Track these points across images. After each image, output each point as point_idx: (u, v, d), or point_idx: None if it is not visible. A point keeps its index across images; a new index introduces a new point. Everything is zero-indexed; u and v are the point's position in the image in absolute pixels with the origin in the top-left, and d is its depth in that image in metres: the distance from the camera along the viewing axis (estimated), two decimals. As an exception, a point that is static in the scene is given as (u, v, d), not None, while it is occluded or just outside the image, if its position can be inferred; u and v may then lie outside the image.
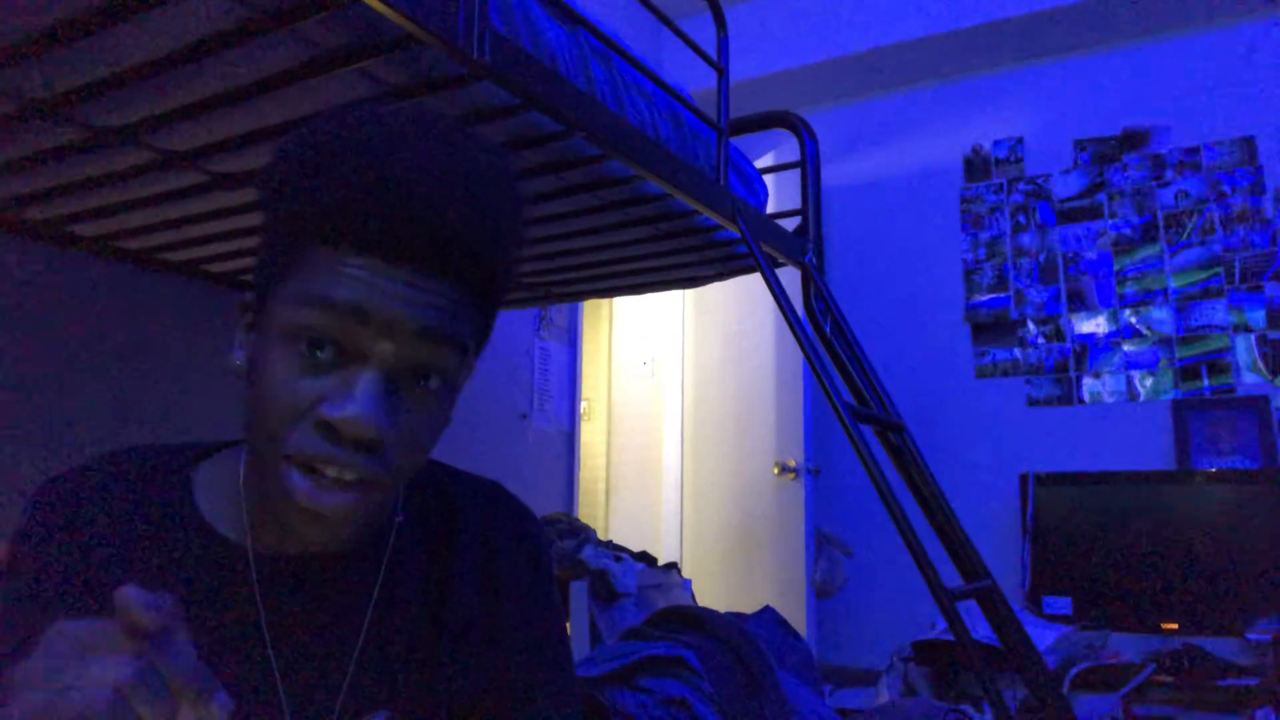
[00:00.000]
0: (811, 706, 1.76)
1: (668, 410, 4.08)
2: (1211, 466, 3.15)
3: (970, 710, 2.20)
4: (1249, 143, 3.31)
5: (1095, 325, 3.47)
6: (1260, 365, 3.19)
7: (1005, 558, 3.30)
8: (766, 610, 2.18)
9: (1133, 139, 3.52)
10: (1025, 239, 3.66)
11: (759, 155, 3.32)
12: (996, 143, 3.78)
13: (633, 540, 3.54)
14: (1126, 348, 3.41)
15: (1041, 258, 3.61)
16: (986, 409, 3.61)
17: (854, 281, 3.91)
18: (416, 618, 0.69)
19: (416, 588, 0.70)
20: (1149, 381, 3.35)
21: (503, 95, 1.24)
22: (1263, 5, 3.31)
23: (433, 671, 0.68)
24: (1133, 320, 3.41)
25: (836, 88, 4.03)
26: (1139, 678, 2.59)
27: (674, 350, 4.12)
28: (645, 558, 2.81)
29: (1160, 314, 3.37)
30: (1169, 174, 3.43)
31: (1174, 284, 3.36)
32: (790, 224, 2.19)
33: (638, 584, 2.62)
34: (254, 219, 1.64)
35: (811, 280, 2.04)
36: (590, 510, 4.06)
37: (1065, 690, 2.52)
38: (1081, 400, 3.45)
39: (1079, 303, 3.51)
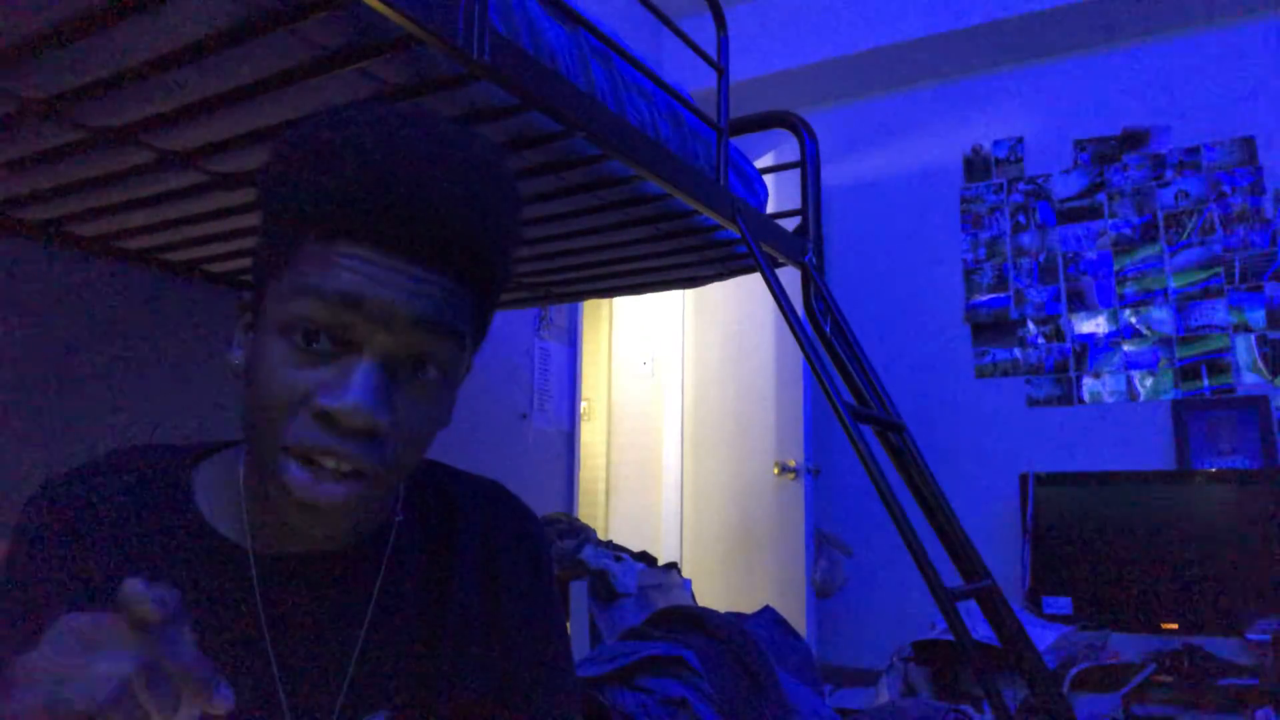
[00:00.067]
0: (811, 706, 1.76)
1: (668, 410, 4.08)
2: (1211, 466, 3.15)
3: (970, 710, 2.20)
4: (1249, 143, 3.31)
5: (1095, 325, 3.47)
6: (1260, 365, 3.19)
7: (1005, 558, 3.30)
8: (766, 610, 2.18)
9: (1133, 139, 3.52)
10: (1025, 239, 3.66)
11: (759, 155, 3.32)
12: (996, 143, 3.78)
13: (633, 540, 3.54)
14: (1126, 348, 3.41)
15: (1041, 258, 3.61)
16: (986, 409, 3.61)
17: (854, 281, 3.91)
18: (417, 617, 0.69)
19: (417, 587, 0.70)
20: (1149, 381, 3.35)
21: (503, 95, 1.24)
22: (1263, 5, 3.31)
23: (433, 671, 0.68)
24: (1133, 320, 3.41)
25: (836, 88, 4.03)
26: (1139, 678, 2.59)
27: (674, 350, 4.12)
28: (645, 558, 2.81)
29: (1160, 314, 3.37)
30: (1169, 174, 3.43)
31: (1174, 284, 3.36)
32: (790, 224, 2.19)
33: (638, 584, 2.62)
34: (254, 219, 1.64)
35: (811, 280, 2.04)
36: (590, 510, 4.06)
37: (1065, 690, 2.52)
38: (1081, 400, 3.45)
39: (1079, 303, 3.51)
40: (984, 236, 3.74)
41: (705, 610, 1.86)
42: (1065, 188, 3.62)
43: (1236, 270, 3.27)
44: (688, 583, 2.98)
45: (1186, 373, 3.29)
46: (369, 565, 0.68)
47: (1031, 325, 3.58)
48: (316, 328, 0.55)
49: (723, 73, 1.84)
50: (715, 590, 3.51)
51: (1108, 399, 3.41)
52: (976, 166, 3.80)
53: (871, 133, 4.04)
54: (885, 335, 3.74)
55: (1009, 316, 3.63)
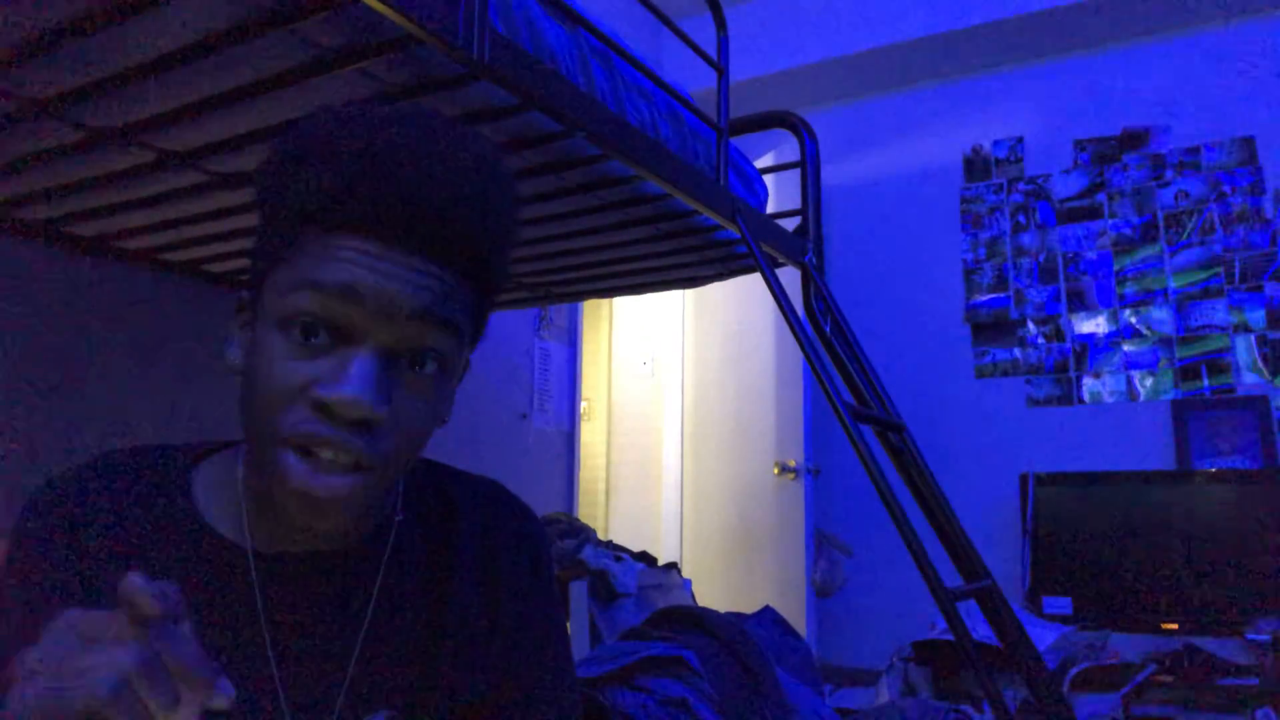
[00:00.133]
0: (811, 706, 1.76)
1: (668, 410, 4.08)
2: (1211, 466, 3.15)
3: (970, 710, 2.20)
4: (1249, 143, 3.31)
5: (1095, 325, 3.47)
6: (1260, 365, 3.19)
7: (1005, 558, 3.30)
8: (766, 610, 2.18)
9: (1133, 139, 3.52)
10: (1025, 239, 3.66)
11: (759, 155, 3.32)
12: (996, 143, 3.78)
13: (633, 540, 3.54)
14: (1126, 348, 3.41)
15: (1041, 258, 3.61)
16: (986, 409, 3.61)
17: (854, 281, 3.91)
18: (416, 617, 0.69)
19: (416, 587, 0.70)
20: (1149, 381, 3.35)
21: (503, 95, 1.24)
22: (1263, 5, 3.31)
23: (433, 671, 0.68)
24: (1133, 320, 3.41)
25: (836, 88, 4.03)
26: (1139, 678, 2.59)
27: (674, 350, 4.12)
28: (645, 558, 2.81)
29: (1160, 314, 3.37)
30: (1169, 174, 3.43)
31: (1174, 284, 3.36)
32: (790, 224, 2.19)
33: (638, 584, 2.62)
34: (254, 219, 1.64)
35: (811, 280, 2.04)
36: (590, 510, 4.06)
37: (1065, 690, 2.52)
38: (1081, 400, 3.45)
39: (1079, 303, 3.51)
40: (984, 236, 3.74)
41: (705, 610, 1.85)
42: (1065, 188, 3.62)
43: (1236, 270, 3.27)
44: (688, 583, 2.98)
45: (1186, 373, 3.29)
46: (369, 565, 0.68)
47: (1031, 325, 3.58)
48: (316, 320, 0.55)
49: (723, 73, 1.84)
50: (715, 590, 3.51)
51: (1108, 399, 3.41)
52: (976, 166, 3.80)
53: (871, 133, 4.04)
54: (885, 335, 3.74)
55: (1009, 316, 3.63)
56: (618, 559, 2.63)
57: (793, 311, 1.77)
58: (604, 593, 2.52)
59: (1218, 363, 3.25)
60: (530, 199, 1.62)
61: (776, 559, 3.34)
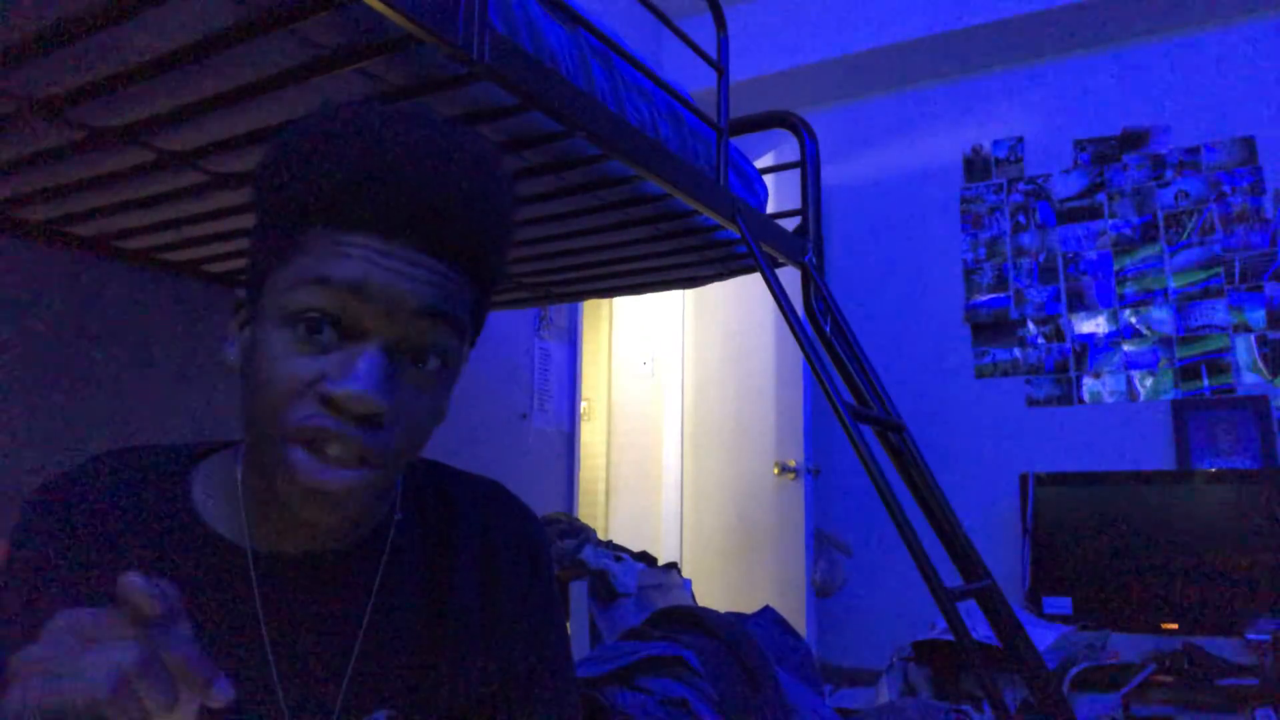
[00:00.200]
0: (811, 706, 1.76)
1: (668, 410, 4.08)
2: (1211, 466, 3.15)
3: (970, 710, 2.20)
4: (1249, 143, 3.31)
5: (1095, 325, 3.47)
6: (1260, 365, 3.19)
7: (1005, 558, 3.30)
8: (766, 610, 2.18)
9: (1133, 139, 3.52)
10: (1025, 239, 3.66)
11: (759, 155, 3.32)
12: (996, 143, 3.78)
13: (633, 540, 3.54)
14: (1126, 348, 3.41)
15: (1041, 258, 3.61)
16: (986, 409, 3.61)
17: (854, 281, 3.91)
18: (415, 617, 0.69)
19: (416, 586, 0.70)
20: (1149, 381, 3.35)
21: (503, 95, 1.24)
22: (1263, 5, 3.31)
23: (432, 670, 0.68)
24: (1133, 320, 3.41)
25: (836, 88, 4.04)
26: (1139, 678, 2.59)
27: (674, 350, 4.12)
28: (645, 558, 2.81)
29: (1160, 314, 3.37)
30: (1169, 174, 3.43)
31: (1174, 284, 3.36)
32: (790, 224, 2.19)
33: (638, 584, 2.62)
34: (253, 219, 1.64)
35: (811, 280, 2.04)
36: (590, 510, 4.06)
37: (1065, 690, 2.52)
38: (1081, 400, 3.45)
39: (1079, 303, 3.51)
40: (984, 236, 3.74)
41: (705, 610, 1.85)
42: (1065, 188, 3.62)
43: (1236, 270, 3.27)
44: (688, 583, 2.98)
45: (1186, 373, 3.29)
46: (368, 564, 0.68)
47: (1031, 325, 3.58)
48: (323, 316, 0.56)
49: (723, 73, 1.84)
50: (715, 590, 3.51)
51: (1108, 399, 3.41)
52: (976, 166, 3.80)
53: (871, 133, 4.04)
54: (885, 335, 3.74)
55: (1009, 316, 3.63)
56: (618, 559, 2.63)
57: (793, 311, 1.77)
58: (604, 593, 2.52)
59: (1218, 363, 3.25)
60: (530, 199, 1.62)
61: (776, 559, 3.34)
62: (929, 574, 1.58)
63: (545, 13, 1.30)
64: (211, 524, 0.65)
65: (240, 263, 1.99)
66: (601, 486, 4.18)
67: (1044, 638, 2.64)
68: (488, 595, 0.72)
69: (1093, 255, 3.52)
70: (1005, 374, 3.60)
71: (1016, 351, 3.60)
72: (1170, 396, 3.31)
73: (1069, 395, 3.48)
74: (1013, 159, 3.74)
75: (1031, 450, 3.47)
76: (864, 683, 3.34)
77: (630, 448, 4.17)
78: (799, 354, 3.11)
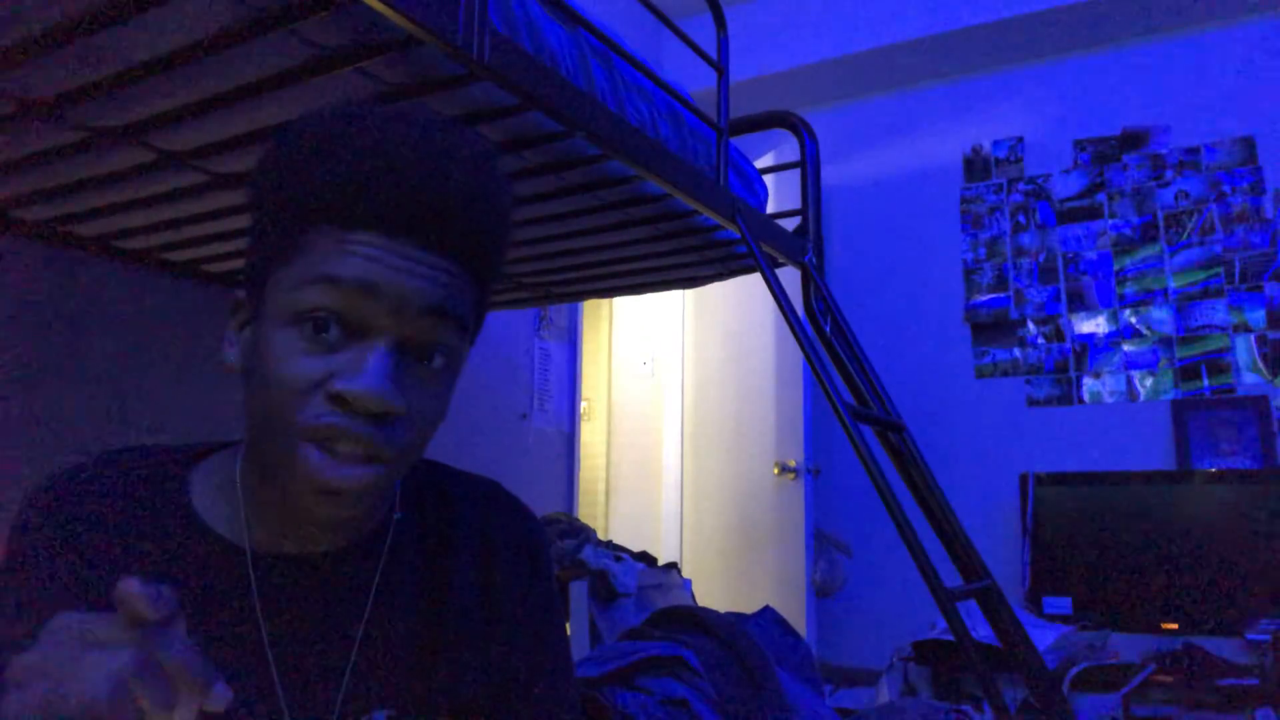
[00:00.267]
0: (811, 706, 1.76)
1: (668, 410, 4.08)
2: (1211, 466, 3.15)
3: (970, 710, 2.20)
4: (1249, 143, 3.31)
5: (1095, 325, 3.47)
6: (1260, 365, 3.19)
7: (1005, 558, 3.30)
8: (766, 610, 2.18)
9: (1133, 139, 3.52)
10: (1025, 239, 3.66)
11: (759, 155, 3.32)
12: (996, 143, 3.78)
13: (633, 540, 3.54)
14: (1126, 348, 3.41)
15: (1041, 258, 3.61)
16: (986, 409, 3.61)
17: (854, 281, 3.91)
18: (414, 616, 0.69)
19: (415, 586, 0.70)
20: (1149, 381, 3.35)
21: (503, 95, 1.24)
22: (1263, 5, 3.31)
23: (431, 670, 0.68)
24: (1133, 320, 3.41)
25: (836, 88, 4.04)
26: (1139, 678, 2.59)
27: (674, 350, 4.12)
28: (645, 558, 2.81)
29: (1160, 314, 3.37)
30: (1169, 174, 3.43)
31: (1174, 284, 3.36)
32: (790, 224, 2.19)
33: (638, 584, 2.62)
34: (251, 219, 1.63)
35: (811, 280, 2.04)
36: (590, 510, 4.06)
37: (1065, 690, 2.52)
38: (1081, 400, 3.45)
39: (1079, 303, 3.51)
40: (984, 236, 3.74)
41: (705, 610, 1.85)
42: (1065, 188, 3.62)
43: (1236, 270, 3.27)
44: (688, 583, 2.98)
45: (1186, 373, 3.29)
46: (367, 564, 0.68)
47: (1031, 325, 3.58)
48: (331, 315, 0.56)
49: (723, 73, 1.84)
50: (715, 590, 3.51)
51: (1108, 399, 3.41)
52: (976, 166, 3.80)
53: (871, 133, 4.04)
54: (885, 335, 3.74)
55: (1009, 316, 3.63)
56: (618, 559, 2.63)
57: (793, 311, 1.77)
58: (604, 593, 2.52)
59: (1218, 363, 3.25)
60: (530, 199, 1.62)
61: (776, 559, 3.34)
62: (929, 574, 1.58)
63: (545, 13, 1.30)
64: (211, 524, 0.65)
65: (240, 263, 1.99)
66: (601, 486, 4.18)
67: (1044, 638, 2.64)
68: (487, 595, 0.72)
69: (1093, 255, 3.52)
70: (1005, 374, 3.60)
71: (1016, 351, 3.60)
72: (1170, 396, 3.30)
73: (1069, 395, 3.48)
74: (1013, 159, 3.74)
75: (1031, 450, 3.47)
76: (864, 683, 3.34)
77: (630, 448, 4.17)
78: (799, 354, 3.11)
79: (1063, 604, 3.09)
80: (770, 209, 2.15)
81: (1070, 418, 3.46)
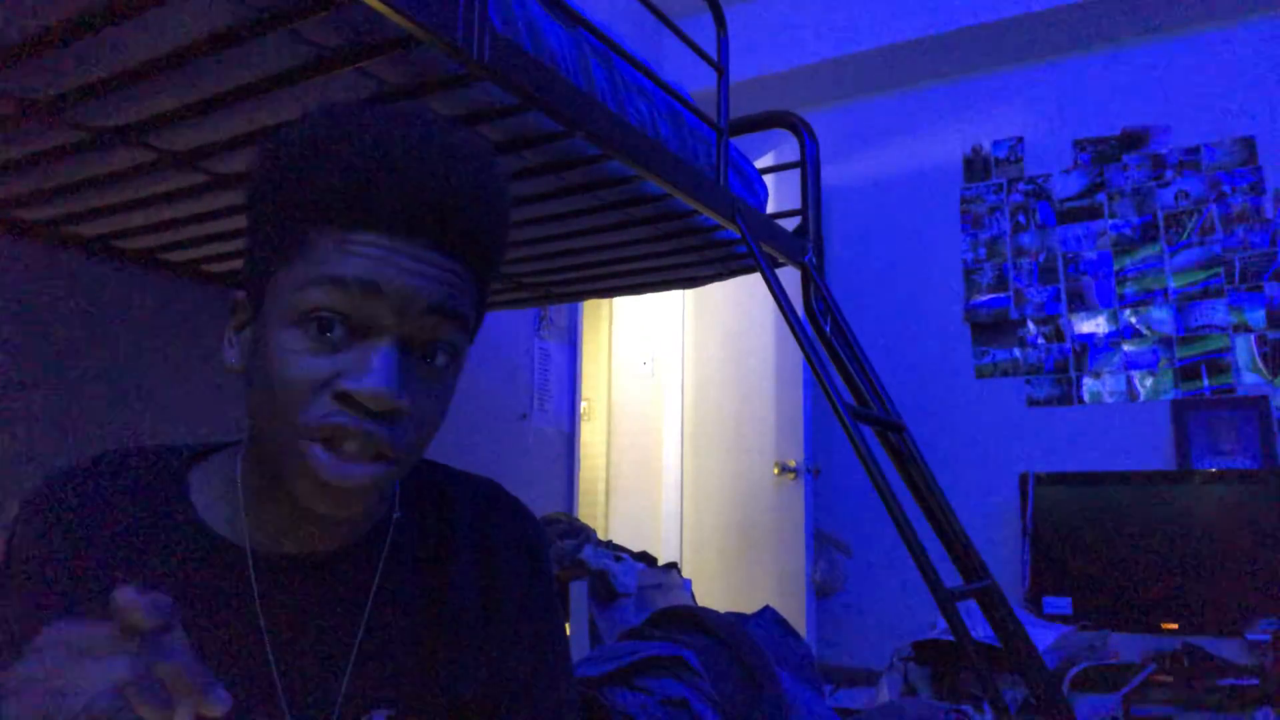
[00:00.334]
0: (811, 707, 1.76)
1: (668, 410, 4.08)
2: (1211, 466, 3.15)
3: (970, 710, 2.20)
4: (1249, 143, 3.31)
5: (1095, 325, 3.47)
6: (1260, 365, 3.19)
7: (1005, 558, 3.30)
8: (766, 610, 2.18)
9: (1133, 139, 3.52)
10: (1025, 239, 3.66)
11: (759, 155, 3.32)
12: (996, 143, 3.78)
13: (633, 540, 3.54)
14: (1126, 348, 3.41)
15: (1041, 258, 3.61)
16: (986, 409, 3.61)
17: (854, 281, 3.91)
18: (414, 616, 0.69)
19: (414, 586, 0.70)
20: (1149, 381, 3.35)
21: (503, 95, 1.24)
22: (1263, 5, 3.31)
23: (431, 670, 0.68)
24: (1133, 320, 3.41)
25: (836, 88, 4.03)
26: (1139, 678, 2.59)
27: (674, 350, 4.12)
28: (645, 558, 2.81)
29: (1160, 314, 3.37)
30: (1169, 174, 3.43)
31: (1174, 284, 3.36)
32: (790, 224, 2.19)
33: (638, 584, 2.62)
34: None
35: (811, 280, 2.04)
36: (590, 510, 4.06)
37: (1065, 690, 2.52)
38: (1081, 400, 3.45)
39: (1079, 303, 3.51)
40: (984, 236, 3.74)
41: (705, 610, 1.85)
42: (1065, 188, 3.61)
43: (1236, 270, 3.27)
44: (688, 583, 2.98)
45: (1186, 373, 3.29)
46: (367, 563, 0.68)
47: (1031, 325, 3.58)
48: (335, 315, 0.56)
49: (723, 73, 1.84)
50: (715, 590, 3.51)
51: (1108, 399, 3.41)
52: (976, 166, 3.80)
53: (871, 133, 4.04)
54: (885, 335, 3.74)
55: (1009, 316, 3.63)
56: (618, 559, 2.63)
57: (793, 311, 1.77)
58: (604, 593, 2.52)
59: (1218, 363, 3.25)
60: (530, 199, 1.62)
61: (776, 559, 3.34)
62: (929, 574, 1.58)
63: (545, 13, 1.30)
64: (211, 524, 0.65)
65: (240, 263, 1.98)
66: (601, 486, 4.18)
67: (1044, 638, 2.64)
68: (486, 595, 0.72)
69: (1093, 255, 3.52)
70: (1005, 374, 3.60)
71: (1016, 351, 3.60)
72: (1170, 396, 3.30)
73: (1069, 395, 3.48)
74: (1013, 159, 3.74)
75: (1031, 450, 3.47)
76: (864, 683, 3.34)
77: (630, 448, 4.17)
78: (799, 354, 3.11)
79: (1063, 604, 3.09)
80: (770, 209, 2.15)
81: (1070, 418, 3.46)
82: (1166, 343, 3.34)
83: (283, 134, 0.60)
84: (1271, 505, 2.90)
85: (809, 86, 4.01)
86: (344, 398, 0.56)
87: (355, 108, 0.60)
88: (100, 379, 1.87)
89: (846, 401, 1.72)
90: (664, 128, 1.62)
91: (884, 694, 2.82)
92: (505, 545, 0.75)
